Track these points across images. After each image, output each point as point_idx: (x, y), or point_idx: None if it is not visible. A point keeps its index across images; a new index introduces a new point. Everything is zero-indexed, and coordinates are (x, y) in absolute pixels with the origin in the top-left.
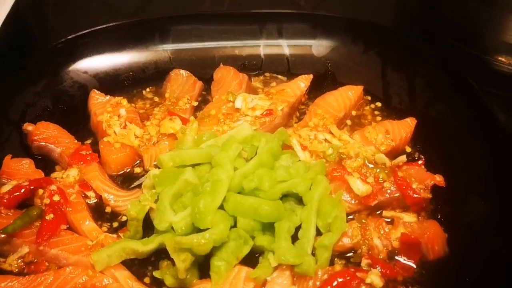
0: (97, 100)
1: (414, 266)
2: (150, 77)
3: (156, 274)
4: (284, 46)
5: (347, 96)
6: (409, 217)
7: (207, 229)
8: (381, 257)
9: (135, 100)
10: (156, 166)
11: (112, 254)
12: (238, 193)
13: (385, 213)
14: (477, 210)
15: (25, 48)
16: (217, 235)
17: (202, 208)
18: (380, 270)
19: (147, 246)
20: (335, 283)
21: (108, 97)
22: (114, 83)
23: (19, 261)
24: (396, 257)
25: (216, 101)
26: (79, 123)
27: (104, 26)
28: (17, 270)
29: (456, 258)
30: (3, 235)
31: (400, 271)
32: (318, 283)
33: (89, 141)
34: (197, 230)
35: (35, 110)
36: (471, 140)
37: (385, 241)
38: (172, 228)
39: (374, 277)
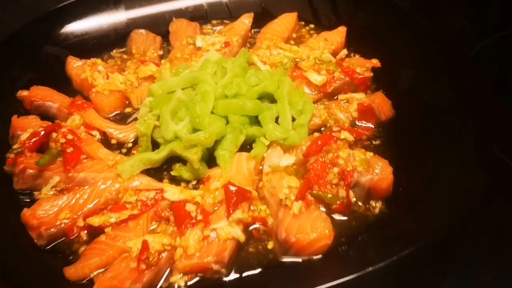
0: (75, 64)
1: (373, 127)
2: (113, 42)
3: (173, 172)
4: None
5: (286, 20)
6: (359, 95)
7: None
8: (346, 126)
9: (106, 59)
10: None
11: (133, 164)
12: None
13: (340, 96)
14: (409, 78)
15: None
16: (217, 129)
17: (199, 112)
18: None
19: (160, 154)
20: (318, 143)
21: (83, 60)
22: (83, 52)
23: (52, 190)
24: (357, 123)
25: (178, 46)
26: (63, 87)
27: (62, 4)
28: None
29: (401, 116)
30: (33, 171)
31: (363, 132)
32: (304, 148)
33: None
34: None
35: (22, 81)
36: (392, 34)
37: (346, 114)
38: (176, 137)
39: (346, 133)
